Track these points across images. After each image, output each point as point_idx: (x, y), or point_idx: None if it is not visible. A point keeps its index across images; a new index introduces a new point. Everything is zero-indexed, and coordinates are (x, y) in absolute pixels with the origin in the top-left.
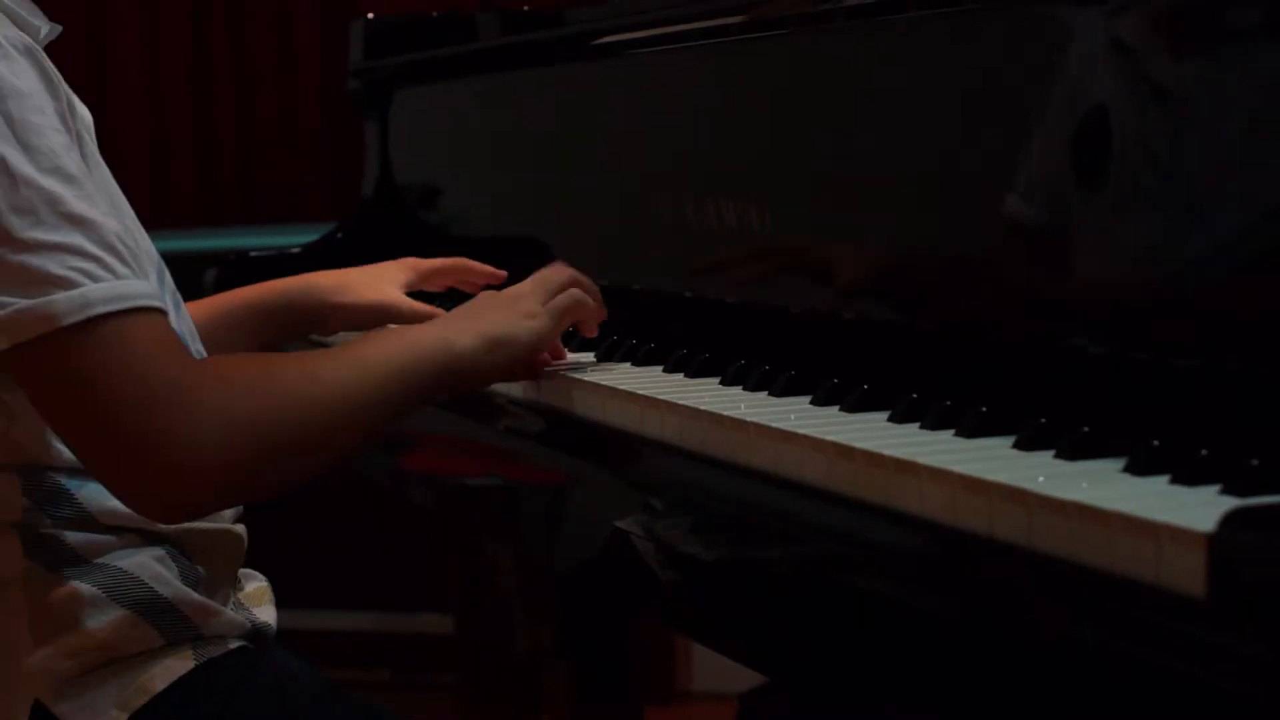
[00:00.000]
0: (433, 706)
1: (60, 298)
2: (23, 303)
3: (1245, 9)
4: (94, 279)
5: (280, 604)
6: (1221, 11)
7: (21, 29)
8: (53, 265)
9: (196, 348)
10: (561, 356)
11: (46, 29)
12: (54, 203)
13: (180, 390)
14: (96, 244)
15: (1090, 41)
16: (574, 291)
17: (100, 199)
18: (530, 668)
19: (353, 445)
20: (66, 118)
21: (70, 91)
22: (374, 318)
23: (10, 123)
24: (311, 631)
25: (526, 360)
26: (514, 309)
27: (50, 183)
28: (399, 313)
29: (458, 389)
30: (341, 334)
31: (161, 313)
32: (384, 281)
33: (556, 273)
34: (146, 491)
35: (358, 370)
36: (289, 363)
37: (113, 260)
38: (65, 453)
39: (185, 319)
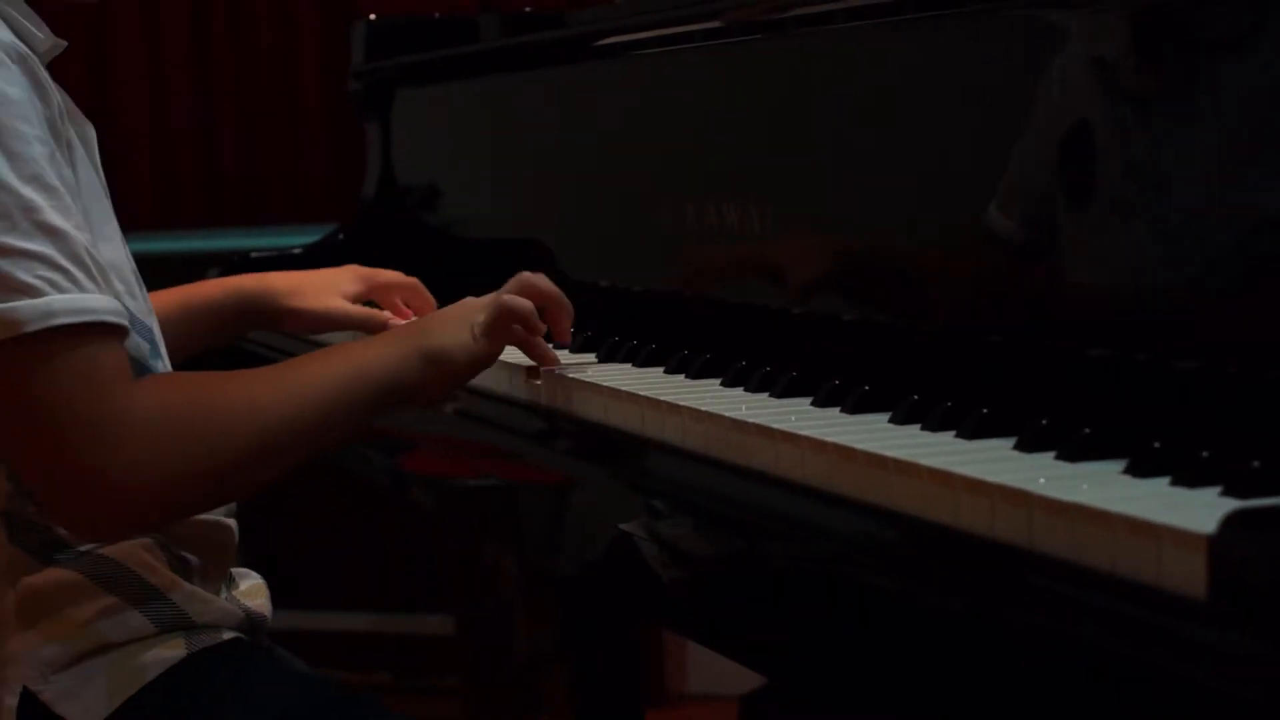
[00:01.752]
0: (433, 709)
1: (24, 305)
2: None
3: (1243, 13)
4: (59, 290)
5: (280, 605)
6: (1222, 13)
7: (21, 37)
8: (21, 272)
9: (164, 353)
10: (553, 363)
11: (49, 42)
12: (30, 211)
13: (121, 418)
14: (66, 256)
15: (1093, 43)
16: (508, 302)
17: (75, 212)
18: (531, 670)
19: (291, 464)
20: (57, 126)
21: (70, 104)
22: (322, 324)
23: None
24: (311, 633)
25: (467, 375)
26: (460, 324)
27: (28, 191)
28: (346, 322)
29: (402, 406)
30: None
31: (120, 330)
32: (334, 290)
33: (511, 284)
34: (79, 512)
35: (297, 392)
36: (229, 385)
37: (79, 273)
38: None
39: (155, 325)
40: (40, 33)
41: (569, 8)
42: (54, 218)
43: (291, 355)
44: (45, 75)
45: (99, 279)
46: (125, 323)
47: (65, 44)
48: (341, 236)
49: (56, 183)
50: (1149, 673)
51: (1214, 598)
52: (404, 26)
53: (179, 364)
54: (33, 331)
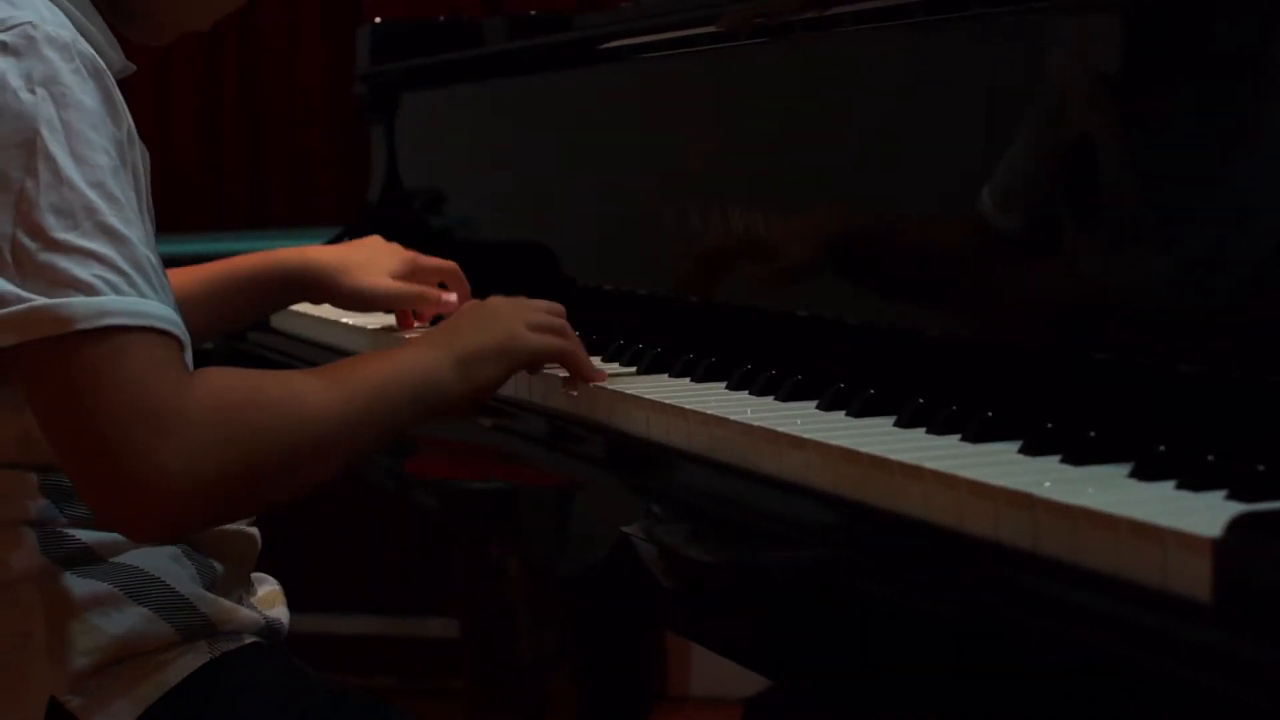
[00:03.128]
0: (438, 711)
1: (79, 301)
2: (41, 300)
3: (1247, 15)
4: (118, 291)
5: (287, 608)
6: (1228, 15)
7: (101, 52)
8: (79, 270)
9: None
10: (596, 377)
11: (120, 64)
12: (93, 212)
13: (173, 413)
14: (127, 260)
15: (1099, 47)
16: (558, 342)
17: (139, 226)
18: (536, 673)
19: (335, 470)
20: (124, 148)
21: (134, 127)
22: (364, 303)
23: (68, 130)
24: (317, 636)
25: (500, 381)
26: (493, 329)
27: (93, 194)
28: (388, 301)
29: (434, 416)
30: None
31: (176, 340)
32: (380, 269)
33: (543, 305)
34: (125, 508)
35: (342, 396)
36: (276, 384)
37: (139, 279)
38: None
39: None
40: (114, 52)
41: (575, 11)
42: (117, 223)
43: (290, 356)
44: (119, 96)
45: (159, 289)
46: (183, 336)
47: (134, 67)
48: (347, 240)
49: (119, 194)
50: (1154, 677)
51: (1219, 601)
52: (409, 30)
53: (219, 337)
54: (83, 330)
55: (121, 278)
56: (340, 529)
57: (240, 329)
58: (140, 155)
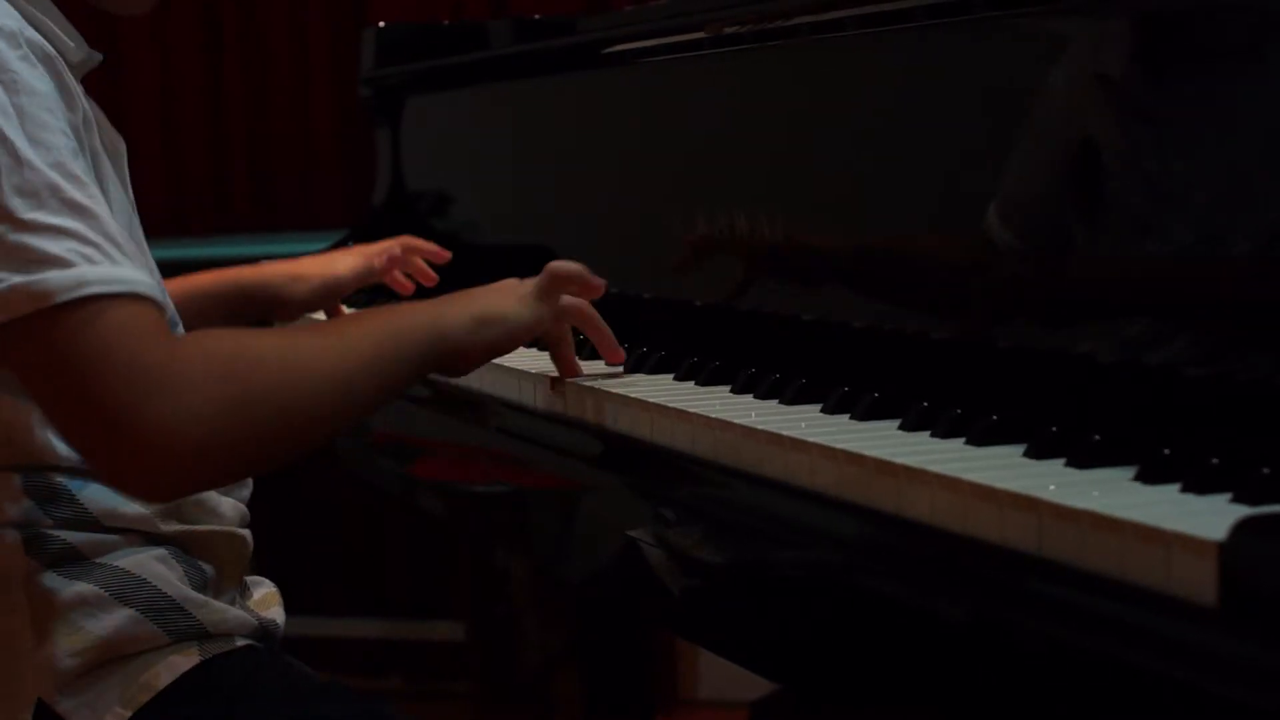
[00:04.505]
0: (444, 714)
1: (54, 275)
2: (17, 279)
3: (1250, 20)
4: (92, 262)
5: (291, 612)
6: (1232, 20)
7: (52, 43)
8: (51, 245)
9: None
10: (576, 372)
11: (82, 54)
12: (56, 190)
13: (164, 368)
14: (97, 232)
15: (1103, 51)
16: (577, 302)
17: (102, 202)
18: (541, 675)
19: (339, 422)
20: (80, 134)
21: (103, 117)
22: (324, 295)
23: (21, 114)
24: (323, 639)
25: (517, 339)
26: (508, 293)
27: (54, 174)
28: (346, 285)
29: (447, 367)
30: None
31: (155, 303)
32: (334, 263)
33: (561, 265)
34: (129, 468)
35: (340, 345)
36: (270, 338)
37: (111, 248)
38: (66, 453)
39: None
40: (72, 42)
41: (580, 15)
42: (82, 198)
43: None
44: (72, 81)
45: (133, 259)
46: (163, 299)
47: (101, 57)
48: (352, 243)
49: (80, 173)
50: (1159, 680)
51: (1224, 604)
52: (414, 33)
53: None
54: (64, 301)
55: (93, 249)
56: (346, 533)
57: None
58: (108, 140)
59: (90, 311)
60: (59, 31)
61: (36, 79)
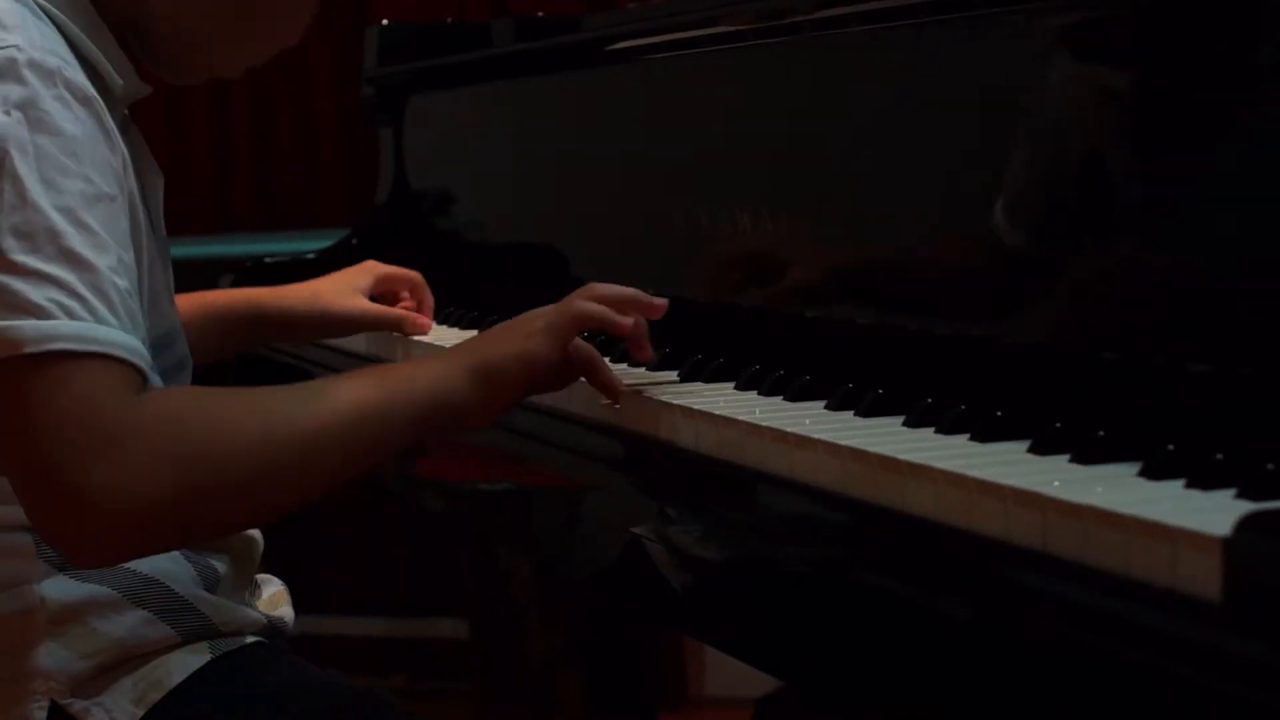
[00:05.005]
0: (448, 712)
1: (28, 325)
2: None
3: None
4: (72, 316)
5: (295, 610)
6: (1231, 16)
7: (100, 77)
8: (33, 292)
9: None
10: (618, 391)
11: (130, 87)
12: (56, 236)
13: (109, 431)
14: (88, 286)
15: (1105, 47)
16: (580, 305)
17: (114, 255)
18: (545, 673)
19: (315, 488)
20: (120, 177)
21: (143, 150)
22: (341, 328)
23: (40, 154)
24: (326, 637)
25: (535, 384)
26: (513, 334)
27: (58, 219)
28: (365, 323)
29: (449, 430)
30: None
31: (132, 368)
32: (351, 291)
33: (585, 305)
34: (65, 530)
35: (318, 410)
36: (236, 402)
37: (100, 305)
38: None
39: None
40: (121, 78)
41: (583, 13)
42: (83, 249)
43: (322, 364)
44: (112, 125)
45: (124, 317)
46: (143, 363)
47: (149, 89)
48: (355, 241)
49: (92, 223)
50: (1163, 676)
51: (1228, 600)
52: (416, 32)
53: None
54: (31, 354)
55: (79, 303)
56: (350, 531)
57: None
58: (146, 177)
59: (54, 368)
60: (109, 64)
61: (69, 121)
